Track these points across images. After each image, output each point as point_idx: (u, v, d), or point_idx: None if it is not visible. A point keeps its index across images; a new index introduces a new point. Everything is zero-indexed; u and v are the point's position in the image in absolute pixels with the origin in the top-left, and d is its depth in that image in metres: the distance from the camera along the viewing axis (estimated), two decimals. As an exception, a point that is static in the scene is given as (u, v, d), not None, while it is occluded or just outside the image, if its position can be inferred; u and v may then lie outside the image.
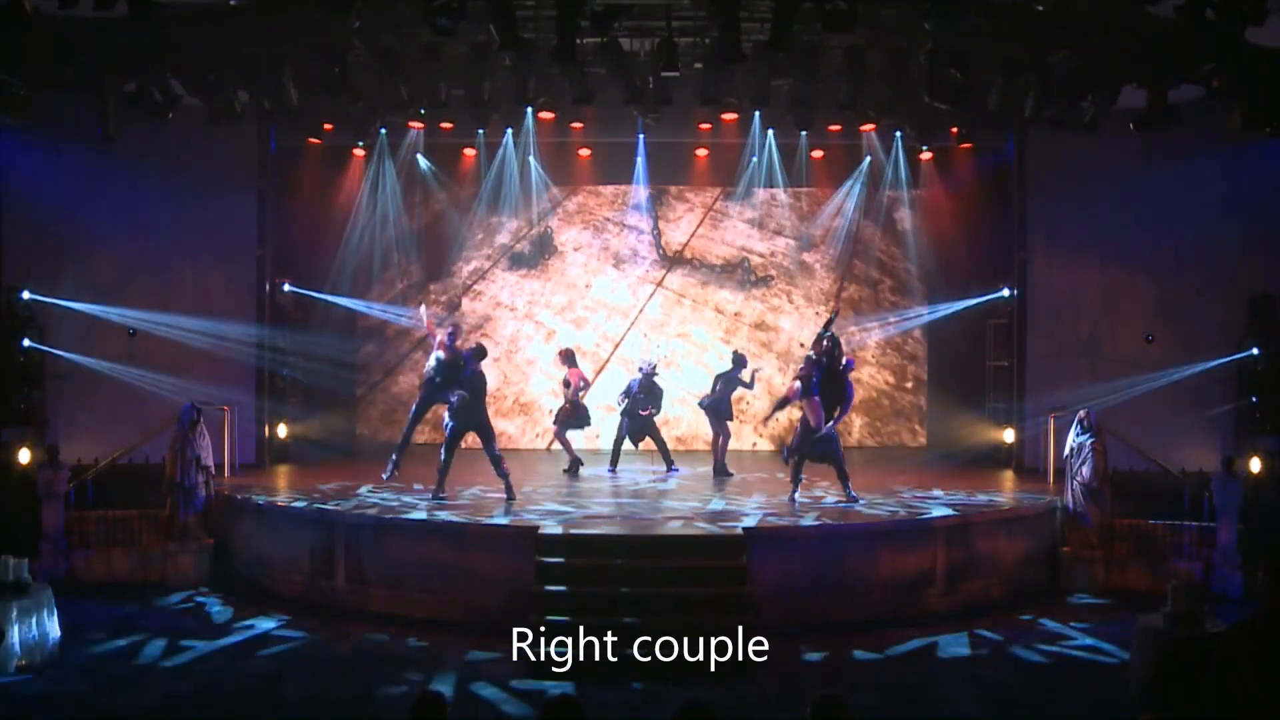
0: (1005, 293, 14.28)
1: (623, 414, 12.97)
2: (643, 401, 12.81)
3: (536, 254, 15.43)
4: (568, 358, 13.05)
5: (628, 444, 13.19)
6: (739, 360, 12.93)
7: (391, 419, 15.59)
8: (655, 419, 13.02)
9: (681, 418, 15.02)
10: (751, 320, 15.13)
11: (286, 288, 14.42)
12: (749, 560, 9.21)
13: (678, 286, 15.19)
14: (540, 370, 15.02)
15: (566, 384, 12.94)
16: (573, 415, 12.91)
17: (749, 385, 12.93)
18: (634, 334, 14.96)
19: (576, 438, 13.31)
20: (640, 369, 13.00)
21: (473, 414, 10.72)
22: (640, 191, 15.34)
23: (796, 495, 10.94)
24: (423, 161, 15.33)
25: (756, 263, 15.35)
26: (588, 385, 12.67)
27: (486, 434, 10.85)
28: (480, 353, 10.93)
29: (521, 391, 14.78)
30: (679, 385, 14.54)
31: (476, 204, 15.34)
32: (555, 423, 13.08)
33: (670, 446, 13.34)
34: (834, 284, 15.22)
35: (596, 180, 15.78)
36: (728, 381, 12.82)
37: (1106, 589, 10.83)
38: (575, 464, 12.88)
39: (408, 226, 15.38)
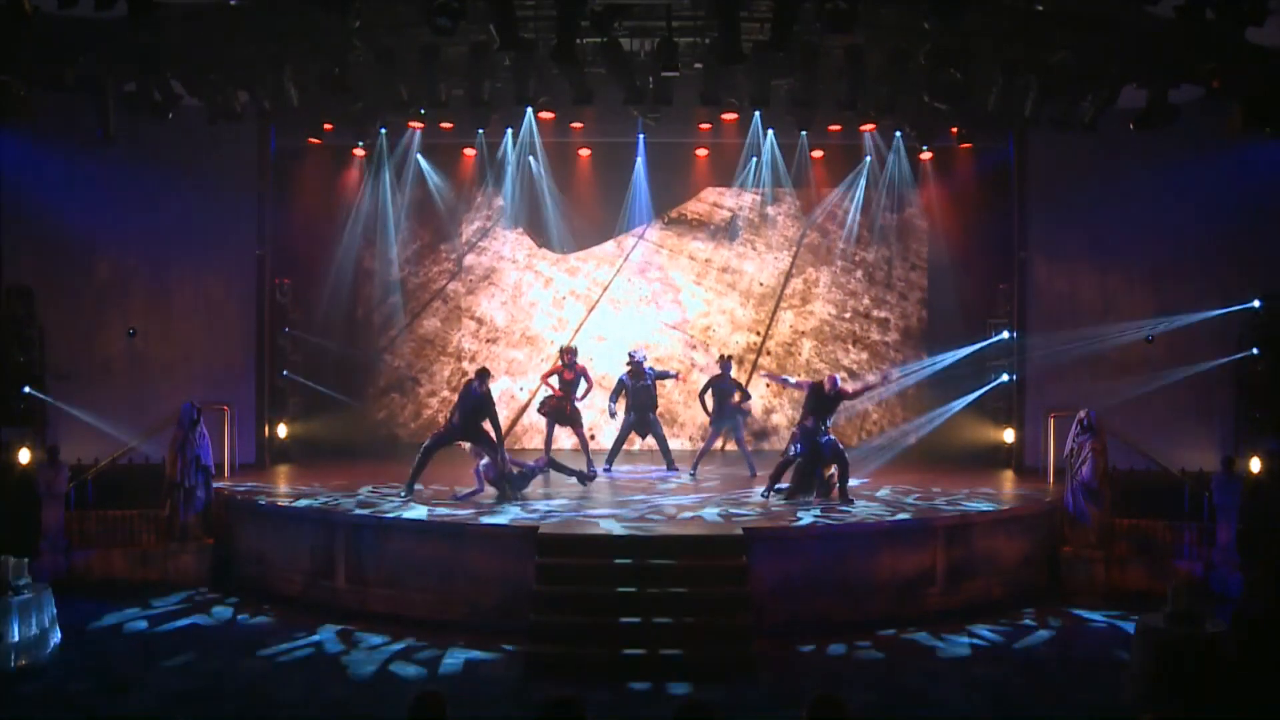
0: (1005, 335, 14.27)
1: (627, 411, 12.98)
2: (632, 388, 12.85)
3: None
4: (571, 355, 13.04)
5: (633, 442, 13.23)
6: (725, 363, 12.99)
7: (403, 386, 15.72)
8: (654, 414, 13.08)
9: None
10: (719, 265, 16.24)
11: (285, 373, 14.49)
12: (749, 560, 9.21)
13: (656, 238, 16.36)
14: (541, 310, 16.13)
15: (573, 380, 12.92)
16: (570, 414, 12.89)
17: (746, 395, 13.08)
18: (620, 279, 16.21)
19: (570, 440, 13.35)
20: (632, 357, 13.00)
21: (468, 426, 11.07)
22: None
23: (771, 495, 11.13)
24: (423, 162, 15.39)
25: (726, 215, 16.27)
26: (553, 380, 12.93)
27: (487, 441, 11.11)
28: (483, 375, 11.21)
29: (526, 328, 16.09)
30: (658, 319, 16.00)
31: (477, 187, 15.98)
32: (542, 412, 13.09)
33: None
34: (796, 231, 16.19)
35: (596, 180, 15.83)
36: (721, 391, 12.81)
37: (1106, 589, 10.83)
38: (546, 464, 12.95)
39: (410, 204, 15.80)
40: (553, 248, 16.00)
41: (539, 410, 13.14)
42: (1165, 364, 13.46)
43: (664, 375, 13.39)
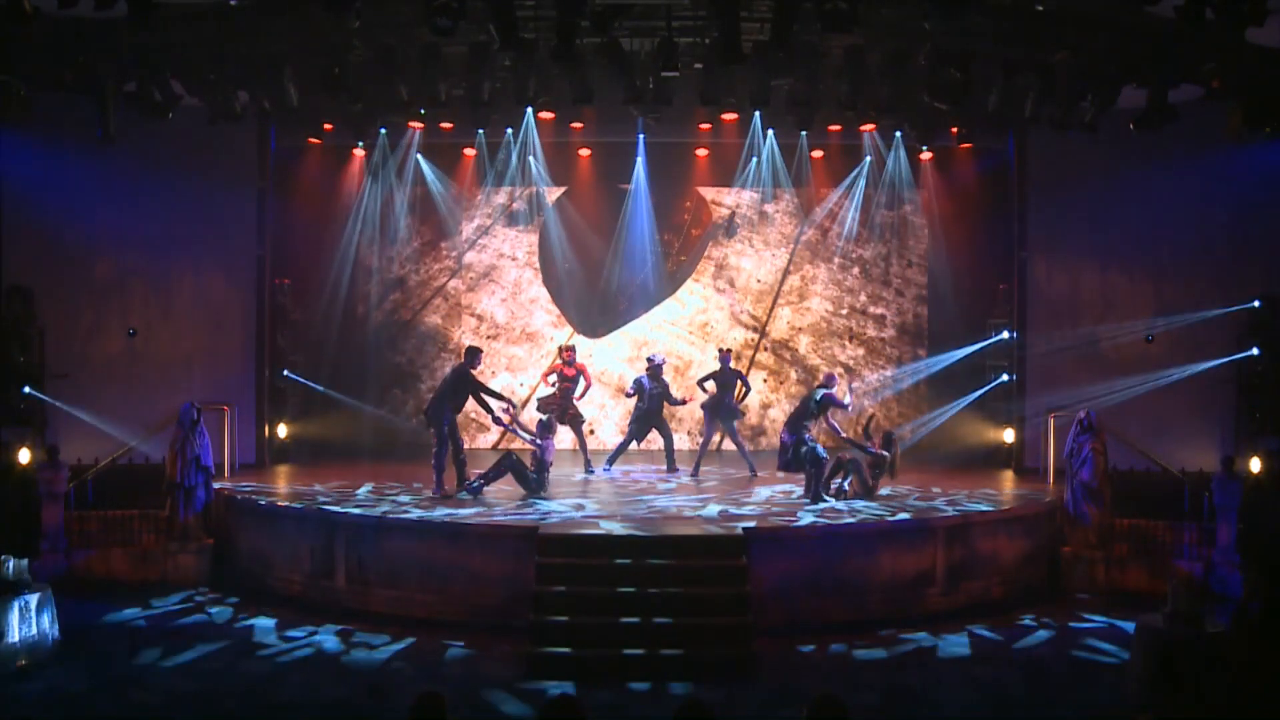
0: (1005, 335, 14.30)
1: (637, 413, 12.97)
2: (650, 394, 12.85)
3: (531, 212, 16.30)
4: (571, 353, 13.06)
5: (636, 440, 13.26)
6: (724, 356, 12.97)
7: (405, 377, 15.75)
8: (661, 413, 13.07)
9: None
10: (717, 262, 16.30)
11: (286, 373, 14.45)
12: (749, 560, 9.21)
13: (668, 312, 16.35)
14: (540, 307, 16.23)
15: (573, 377, 12.93)
16: (570, 413, 12.89)
17: (748, 388, 13.09)
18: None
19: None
20: (651, 361, 13.01)
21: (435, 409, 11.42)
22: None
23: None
24: (423, 162, 15.40)
25: (724, 214, 16.34)
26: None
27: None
28: (470, 353, 11.53)
29: (527, 324, 16.22)
30: (656, 314, 16.13)
31: (477, 186, 16.04)
32: (543, 411, 13.11)
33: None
34: (794, 229, 16.23)
35: (596, 180, 15.84)
36: (721, 384, 12.82)
37: (1106, 589, 10.83)
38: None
39: (410, 202, 15.81)
40: (585, 332, 15.99)
41: (538, 409, 13.16)
42: (1165, 364, 13.46)
43: (675, 401, 13.27)
